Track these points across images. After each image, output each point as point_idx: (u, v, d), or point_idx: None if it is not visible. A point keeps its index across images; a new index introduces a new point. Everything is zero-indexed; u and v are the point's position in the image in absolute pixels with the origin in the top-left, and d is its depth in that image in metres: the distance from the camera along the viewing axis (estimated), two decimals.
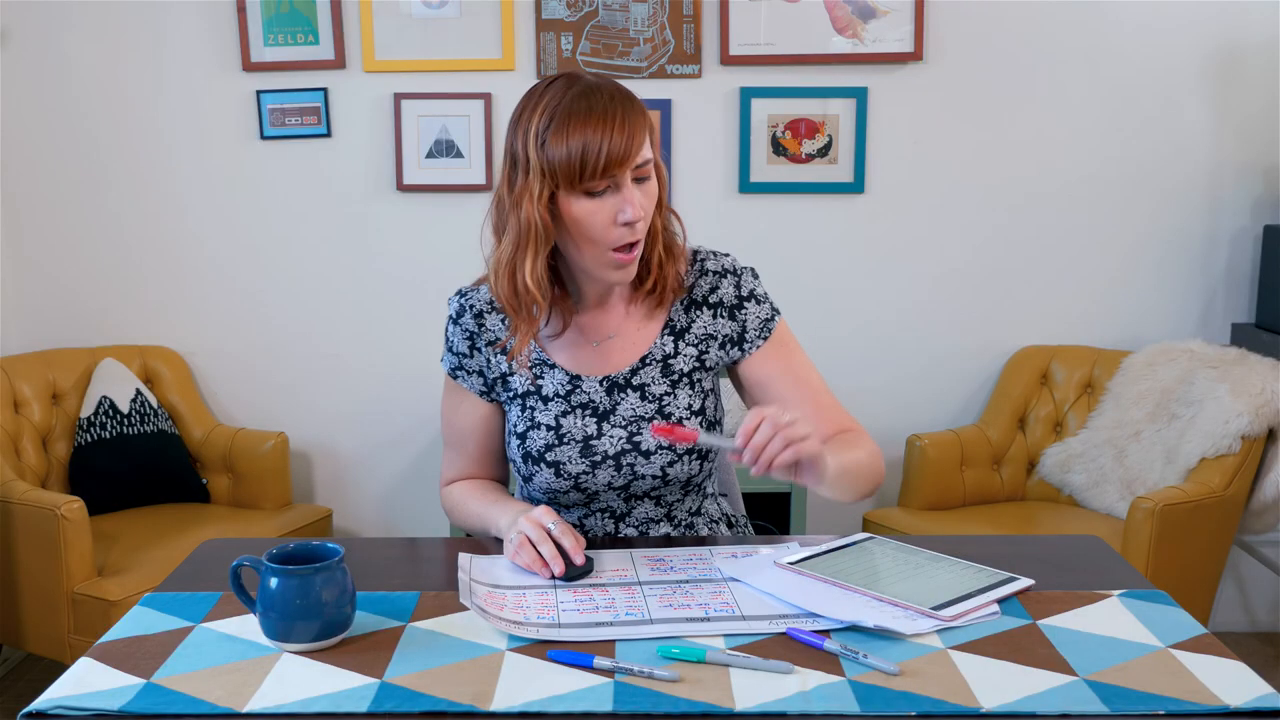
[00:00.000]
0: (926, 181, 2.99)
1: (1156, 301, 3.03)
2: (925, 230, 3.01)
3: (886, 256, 3.02)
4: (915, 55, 2.91)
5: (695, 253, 1.55)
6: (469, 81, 2.96)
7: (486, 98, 2.95)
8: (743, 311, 1.54)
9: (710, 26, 2.92)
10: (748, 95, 2.93)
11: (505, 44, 2.93)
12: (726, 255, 1.56)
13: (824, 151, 2.96)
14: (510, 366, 1.52)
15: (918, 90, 2.94)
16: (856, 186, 2.98)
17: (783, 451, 1.21)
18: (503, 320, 1.52)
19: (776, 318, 1.55)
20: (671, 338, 1.53)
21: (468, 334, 1.53)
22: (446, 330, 1.56)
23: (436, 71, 2.95)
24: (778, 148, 2.96)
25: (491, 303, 1.53)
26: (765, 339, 1.53)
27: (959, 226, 3.01)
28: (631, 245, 1.40)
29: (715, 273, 1.54)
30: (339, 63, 2.95)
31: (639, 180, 1.39)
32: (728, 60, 2.92)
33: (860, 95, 2.93)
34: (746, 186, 2.98)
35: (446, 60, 2.94)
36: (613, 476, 1.50)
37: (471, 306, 1.53)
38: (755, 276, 1.56)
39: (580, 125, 1.35)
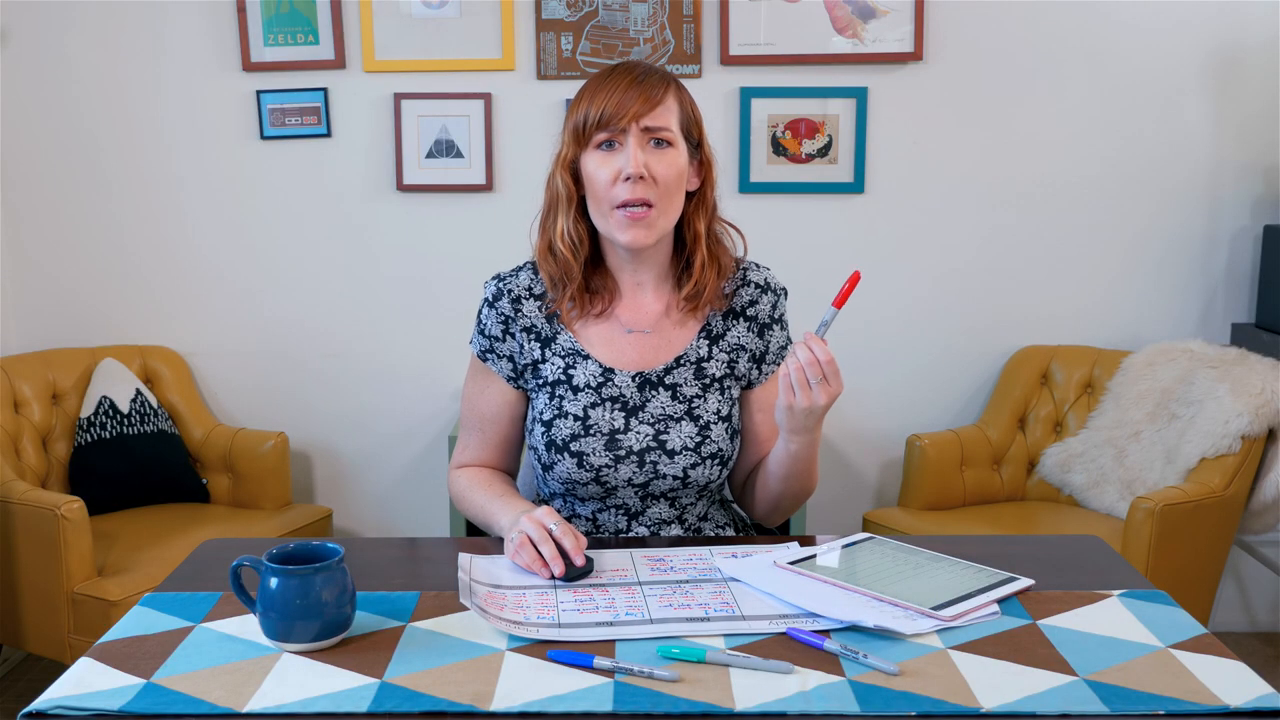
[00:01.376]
0: (926, 181, 2.99)
1: (1156, 301, 3.03)
2: (925, 230, 3.01)
3: (886, 256, 3.02)
4: (915, 55, 2.91)
5: (738, 262, 1.59)
6: (469, 81, 2.96)
7: (486, 98, 2.95)
8: (770, 333, 1.58)
9: (710, 26, 2.92)
10: (748, 95, 2.93)
11: (505, 44, 2.93)
12: (768, 269, 1.61)
13: (824, 151, 2.96)
14: (543, 355, 1.53)
15: (918, 90, 2.94)
16: (856, 186, 2.98)
17: (827, 381, 1.34)
18: (539, 306, 1.54)
19: (791, 346, 1.57)
20: (707, 341, 1.55)
21: (503, 318, 1.55)
22: (480, 313, 1.58)
23: (436, 71, 2.95)
24: (778, 148, 2.96)
25: (529, 289, 1.56)
26: (778, 366, 1.55)
27: (959, 226, 3.01)
28: (639, 206, 1.44)
29: (757, 285, 1.58)
30: (339, 63, 2.95)
31: (657, 145, 1.45)
32: (728, 60, 2.92)
33: (860, 95, 2.93)
34: (746, 186, 2.98)
35: (446, 60, 2.94)
36: (634, 473, 1.51)
37: (509, 291, 1.56)
38: (786, 298, 1.61)
39: (595, 87, 1.46)
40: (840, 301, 1.35)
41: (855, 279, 1.36)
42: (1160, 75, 2.92)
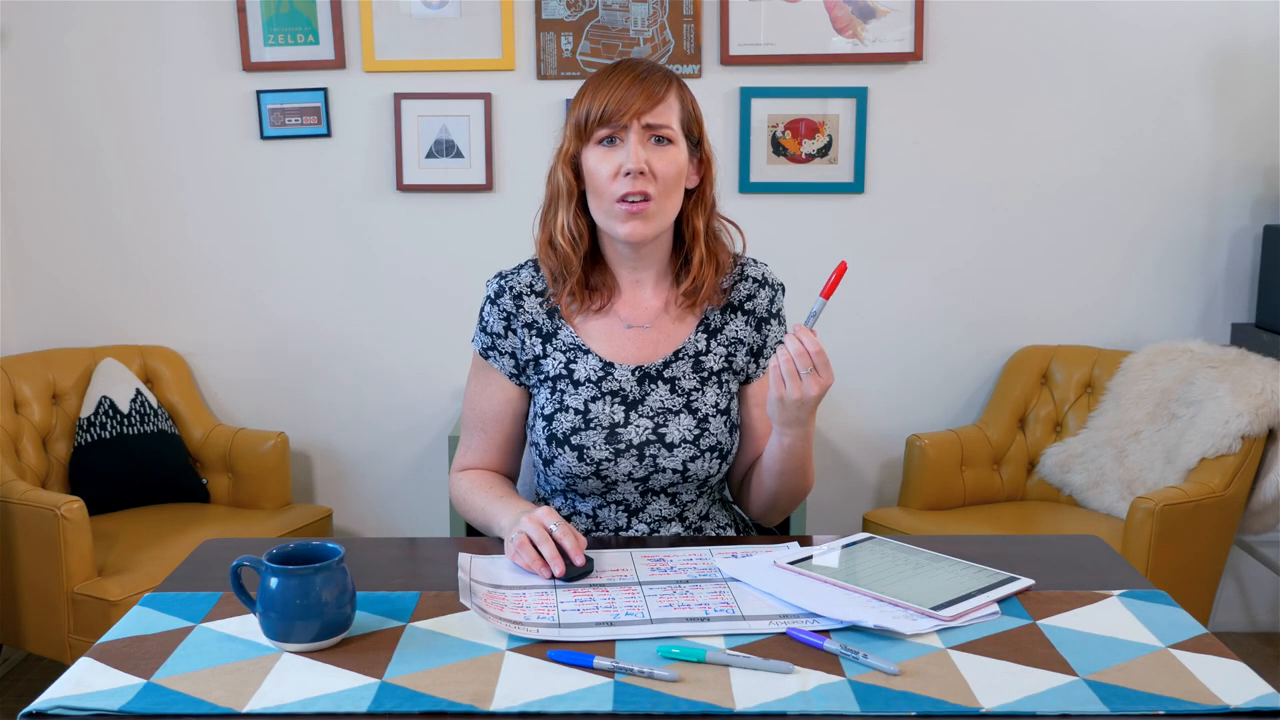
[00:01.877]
0: (926, 181, 2.99)
1: (1156, 301, 3.03)
2: (925, 230, 3.01)
3: (886, 256, 3.02)
4: (915, 55, 2.91)
5: (736, 257, 1.60)
6: (469, 81, 2.96)
7: (486, 98, 2.95)
8: (767, 327, 1.59)
9: (710, 26, 2.92)
10: (748, 95, 2.93)
11: (505, 44, 2.93)
12: (765, 264, 1.62)
13: (824, 151, 2.96)
14: (544, 350, 1.54)
15: (918, 90, 2.94)
16: (856, 186, 2.98)
17: (817, 371, 1.35)
18: (540, 303, 1.55)
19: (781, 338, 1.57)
20: (705, 335, 1.56)
21: (505, 315, 1.56)
22: (482, 310, 1.59)
23: (436, 71, 2.95)
24: (778, 148, 2.96)
25: (530, 285, 1.57)
26: None
27: (959, 226, 3.01)
28: (639, 200, 1.45)
29: (755, 280, 1.60)
30: (339, 63, 2.95)
31: (658, 142, 1.47)
32: (728, 60, 2.92)
33: (860, 95, 2.93)
34: (746, 186, 2.98)
35: (446, 60, 2.94)
36: (634, 466, 1.51)
37: (511, 288, 1.57)
38: (783, 294, 1.63)
39: (598, 83, 1.48)
40: (828, 292, 1.36)
41: (842, 269, 1.36)
42: (1160, 75, 2.92)
